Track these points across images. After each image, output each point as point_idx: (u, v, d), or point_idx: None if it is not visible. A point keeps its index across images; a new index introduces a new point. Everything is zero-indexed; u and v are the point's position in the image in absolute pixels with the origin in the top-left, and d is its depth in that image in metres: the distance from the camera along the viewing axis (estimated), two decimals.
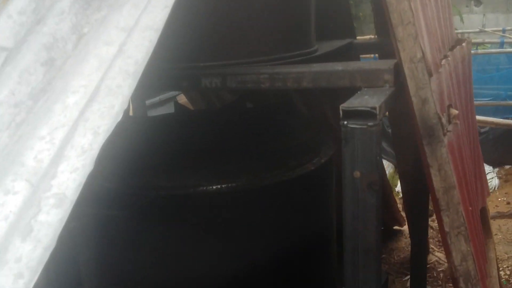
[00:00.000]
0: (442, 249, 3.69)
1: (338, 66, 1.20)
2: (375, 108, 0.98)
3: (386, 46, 1.93)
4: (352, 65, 1.20)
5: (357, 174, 1.01)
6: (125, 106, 0.89)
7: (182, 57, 1.41)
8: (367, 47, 2.03)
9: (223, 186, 1.52)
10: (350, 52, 1.91)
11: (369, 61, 1.18)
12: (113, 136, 0.92)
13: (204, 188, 1.51)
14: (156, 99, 5.36)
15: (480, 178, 1.85)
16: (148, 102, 5.01)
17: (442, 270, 3.39)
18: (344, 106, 1.01)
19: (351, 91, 2.47)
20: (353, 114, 1.00)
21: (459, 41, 1.74)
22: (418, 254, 2.35)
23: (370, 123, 0.98)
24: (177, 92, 4.80)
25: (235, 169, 1.54)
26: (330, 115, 2.55)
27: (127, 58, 0.94)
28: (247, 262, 1.54)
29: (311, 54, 1.63)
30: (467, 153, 1.51)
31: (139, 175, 1.54)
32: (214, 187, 1.52)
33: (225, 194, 1.51)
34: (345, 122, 1.00)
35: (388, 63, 1.17)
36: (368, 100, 1.03)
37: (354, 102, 1.03)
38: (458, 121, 1.27)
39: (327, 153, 1.77)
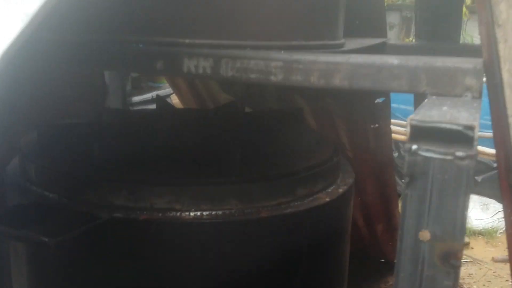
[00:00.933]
0: None
1: (392, 59, 0.79)
2: (471, 128, 0.56)
3: (429, 51, 1.52)
4: (413, 60, 0.78)
5: (425, 235, 0.59)
6: None
7: (158, 29, 0.99)
8: (404, 51, 1.61)
9: (204, 213, 1.10)
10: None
11: (439, 57, 0.77)
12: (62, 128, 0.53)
13: (178, 213, 1.09)
14: (149, 95, 4.94)
15: None
16: (139, 98, 4.57)
17: None
18: (415, 119, 0.60)
19: (365, 104, 2.08)
20: (429, 135, 0.59)
21: None
22: None
23: (460, 153, 0.57)
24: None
25: (222, 192, 1.11)
26: (342, 133, 2.14)
27: None
28: None
29: (338, 47, 1.22)
30: None
31: (89, 186, 1.12)
32: (191, 213, 1.10)
33: (206, 225, 1.09)
34: (414, 147, 0.59)
35: (471, 62, 0.75)
36: (453, 113, 0.62)
37: (431, 115, 0.61)
38: None
39: (346, 182, 1.35)
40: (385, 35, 1.65)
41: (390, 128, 2.09)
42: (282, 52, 0.88)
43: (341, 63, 0.80)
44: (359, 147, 2.14)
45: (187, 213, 1.09)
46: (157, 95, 1.69)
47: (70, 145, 1.28)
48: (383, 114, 2.00)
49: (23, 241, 1.04)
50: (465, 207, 0.57)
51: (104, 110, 1.59)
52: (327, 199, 1.23)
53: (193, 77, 0.89)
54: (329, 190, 1.29)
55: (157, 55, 0.92)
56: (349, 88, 0.80)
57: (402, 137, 4.43)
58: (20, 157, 1.31)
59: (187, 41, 0.97)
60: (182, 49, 0.92)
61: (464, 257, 3.45)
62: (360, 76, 0.79)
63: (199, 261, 1.10)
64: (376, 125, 2.05)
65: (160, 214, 1.09)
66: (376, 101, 1.94)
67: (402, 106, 4.53)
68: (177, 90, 2.52)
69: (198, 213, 1.10)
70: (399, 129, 4.05)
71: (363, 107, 1.99)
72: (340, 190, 1.30)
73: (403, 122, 4.63)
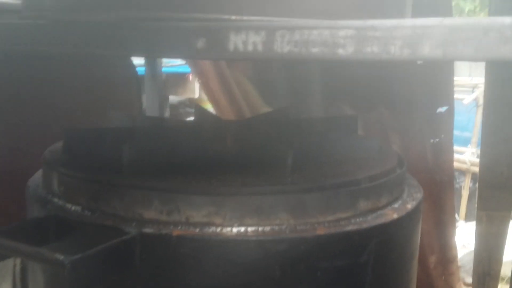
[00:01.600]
0: None
1: (502, 19, 0.60)
2: None
3: None
4: None
5: None
6: None
7: (197, 4, 0.84)
8: None
9: (249, 229, 0.92)
10: None
11: None
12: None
13: (218, 229, 0.91)
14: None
15: None
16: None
17: None
18: None
19: (425, 115, 1.85)
20: None
21: None
22: None
23: None
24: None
25: (271, 203, 0.93)
26: (396, 149, 1.93)
27: None
28: None
29: None
30: None
31: (115, 196, 0.96)
32: (234, 229, 0.91)
33: (251, 243, 0.90)
34: None
35: None
36: None
37: None
38: None
39: (415, 197, 1.15)
40: None
41: (452, 143, 1.87)
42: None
43: (433, 26, 0.62)
44: (415, 165, 1.92)
45: (229, 229, 0.91)
46: (196, 104, 1.54)
47: (99, 152, 1.13)
48: (446, 126, 1.79)
49: (34, 259, 0.89)
50: None
51: (139, 117, 1.45)
52: (395, 216, 1.03)
53: (241, 57, 0.73)
54: (396, 205, 1.08)
55: (198, 31, 0.76)
56: (443, 57, 0.62)
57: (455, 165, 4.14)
58: (43, 165, 1.17)
59: (233, 17, 0.81)
60: (227, 23, 0.76)
61: None
62: (459, 41, 0.61)
63: (242, 285, 0.91)
64: (437, 139, 1.84)
65: (197, 230, 0.91)
66: (438, 111, 1.74)
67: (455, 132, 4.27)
68: (216, 105, 2.39)
69: (242, 229, 0.91)
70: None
71: (422, 119, 1.79)
72: (409, 206, 1.09)
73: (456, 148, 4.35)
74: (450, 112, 1.73)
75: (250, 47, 0.73)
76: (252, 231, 0.91)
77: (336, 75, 1.85)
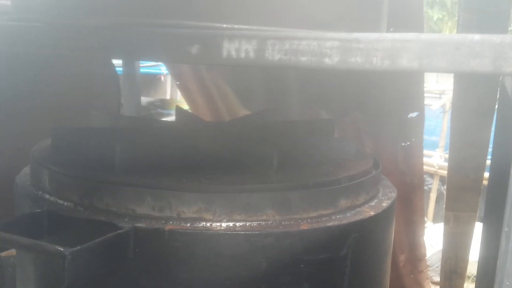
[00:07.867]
0: None
1: (472, 35, 0.68)
2: None
3: None
4: (498, 36, 0.67)
5: None
6: None
7: (189, 12, 0.89)
8: None
9: (237, 224, 0.98)
10: None
11: None
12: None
13: (208, 224, 0.97)
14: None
15: None
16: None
17: None
18: None
19: (397, 120, 1.95)
20: None
21: None
22: None
23: None
24: None
25: (258, 200, 0.99)
26: (368, 152, 2.02)
27: None
28: None
29: None
30: None
31: (108, 192, 1.00)
32: (223, 224, 0.97)
33: (240, 237, 0.96)
34: None
35: None
36: None
37: None
38: None
39: (389, 196, 1.23)
40: None
41: (422, 147, 1.97)
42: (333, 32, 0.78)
43: (410, 41, 0.69)
44: (386, 167, 2.01)
45: (218, 224, 0.97)
46: (177, 106, 1.58)
47: (87, 150, 1.17)
48: (416, 131, 1.88)
49: (34, 251, 0.92)
50: None
51: (120, 117, 1.49)
52: (372, 213, 1.10)
53: (233, 63, 0.78)
54: (372, 203, 1.16)
55: (192, 38, 0.82)
56: (419, 69, 0.69)
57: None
58: (32, 163, 1.20)
59: (224, 25, 0.87)
60: (221, 31, 0.82)
61: None
62: (434, 54, 0.68)
63: (231, 277, 0.97)
64: (408, 143, 1.93)
65: (188, 224, 0.96)
66: (409, 116, 1.83)
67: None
68: (193, 106, 2.43)
69: (231, 224, 0.97)
70: None
71: (394, 123, 1.88)
72: (384, 204, 1.17)
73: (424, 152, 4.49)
74: (421, 117, 1.82)
75: (242, 54, 0.79)
76: (240, 226, 0.97)
77: (313, 81, 1.93)
